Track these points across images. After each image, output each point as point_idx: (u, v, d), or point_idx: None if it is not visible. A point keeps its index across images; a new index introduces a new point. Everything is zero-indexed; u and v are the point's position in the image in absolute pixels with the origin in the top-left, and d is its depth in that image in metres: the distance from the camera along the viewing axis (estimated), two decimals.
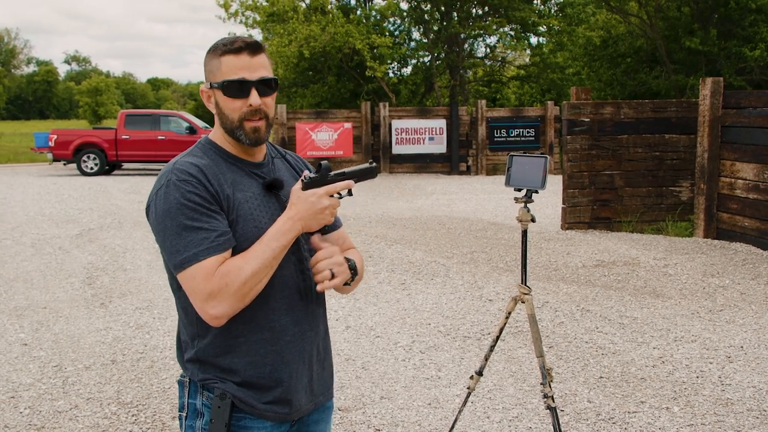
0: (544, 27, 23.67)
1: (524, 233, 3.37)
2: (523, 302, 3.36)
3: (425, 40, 23.86)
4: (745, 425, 3.94)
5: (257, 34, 23.49)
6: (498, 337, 3.46)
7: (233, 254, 1.74)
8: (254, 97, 1.80)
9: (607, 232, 9.72)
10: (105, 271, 7.71)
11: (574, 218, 9.90)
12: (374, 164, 1.96)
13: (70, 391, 4.48)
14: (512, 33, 24.28)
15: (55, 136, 19.50)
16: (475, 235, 9.66)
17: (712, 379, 4.58)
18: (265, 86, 1.82)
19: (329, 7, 21.48)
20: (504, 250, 8.64)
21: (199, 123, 19.80)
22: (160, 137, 19.06)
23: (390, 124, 19.06)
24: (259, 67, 1.81)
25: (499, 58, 27.39)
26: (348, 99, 23.47)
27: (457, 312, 6.09)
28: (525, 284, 3.37)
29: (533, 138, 19.42)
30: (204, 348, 1.80)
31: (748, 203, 8.65)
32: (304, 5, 21.70)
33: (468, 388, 3.54)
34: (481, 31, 24.04)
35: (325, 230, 1.87)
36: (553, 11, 24.39)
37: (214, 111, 1.85)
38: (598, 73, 22.89)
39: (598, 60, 22.85)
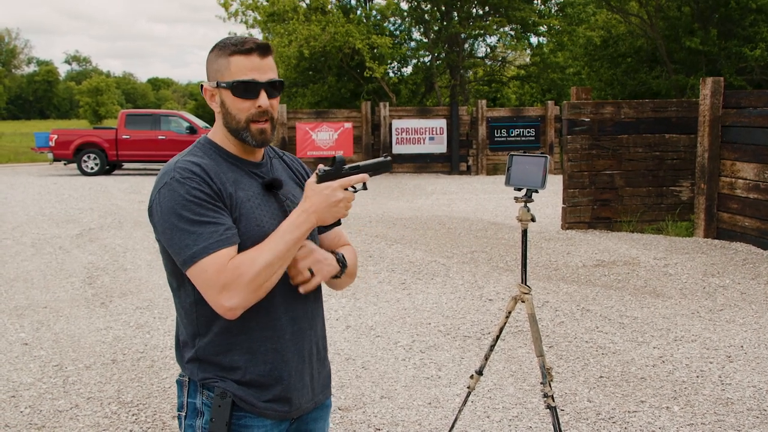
0: (545, 27, 23.67)
1: (524, 233, 3.37)
2: (523, 302, 3.36)
3: (425, 40, 23.86)
4: (745, 425, 3.94)
5: (257, 34, 23.49)
6: (498, 337, 3.46)
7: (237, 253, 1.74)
8: (263, 99, 1.80)
9: (608, 232, 9.73)
10: (105, 271, 7.71)
11: (575, 218, 9.90)
12: (389, 158, 1.95)
13: (70, 390, 4.49)
14: (512, 33, 24.29)
15: (56, 136, 19.50)
16: (475, 235, 9.67)
17: (713, 379, 4.58)
18: (273, 88, 1.82)
19: (329, 7, 21.48)
20: (504, 249, 8.65)
21: (200, 123, 19.81)
22: (160, 137, 19.07)
23: (390, 124, 19.06)
24: (268, 69, 1.82)
25: (500, 58, 27.40)
26: (348, 99, 23.47)
27: (457, 311, 6.09)
28: (525, 284, 3.37)
29: (533, 138, 19.43)
30: (205, 346, 1.80)
31: (748, 203, 8.65)
32: (304, 5, 21.70)
33: (468, 387, 3.54)
34: (482, 31, 24.04)
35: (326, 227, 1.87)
36: (553, 11, 24.39)
37: (217, 110, 1.85)
38: (598, 73, 22.89)
39: (599, 60, 22.86)
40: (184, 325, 1.84)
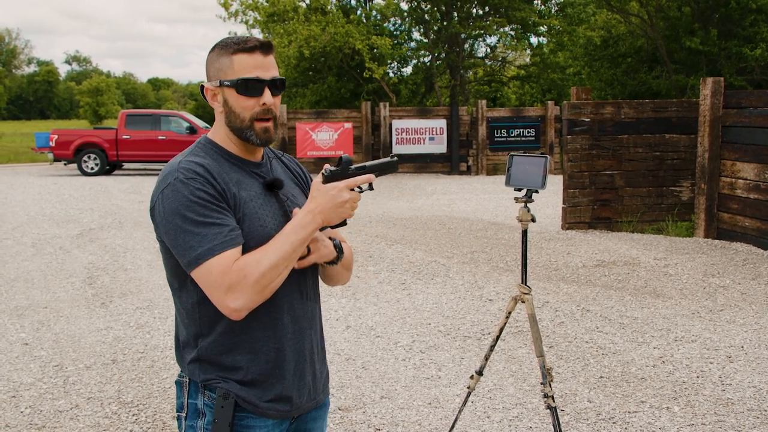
0: (545, 27, 23.67)
1: (524, 233, 3.37)
2: (523, 302, 3.36)
3: (425, 40, 23.86)
4: (746, 425, 3.94)
5: (257, 34, 23.50)
6: (498, 337, 3.46)
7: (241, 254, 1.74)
8: (267, 96, 1.80)
9: (608, 232, 9.73)
10: (105, 271, 7.72)
11: (575, 218, 9.90)
12: (395, 158, 1.94)
13: (70, 390, 4.49)
14: (512, 33, 24.29)
15: (56, 136, 19.51)
16: (475, 235, 9.67)
17: (713, 379, 4.58)
18: (275, 86, 1.82)
19: (329, 7, 21.48)
20: (504, 249, 8.65)
21: (200, 123, 19.81)
22: (160, 137, 19.07)
23: (390, 124, 19.07)
24: (271, 67, 1.82)
25: (500, 58, 27.40)
26: (348, 99, 23.48)
27: (458, 312, 6.09)
28: (525, 284, 3.37)
29: (533, 138, 19.43)
30: (207, 346, 1.79)
31: (748, 203, 8.65)
32: (304, 5, 21.71)
33: (468, 387, 3.54)
34: (482, 31, 24.05)
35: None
36: (553, 11, 24.40)
37: (219, 110, 1.84)
38: (598, 73, 22.90)
39: (599, 60, 22.86)
40: (185, 325, 1.84)
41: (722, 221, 9.12)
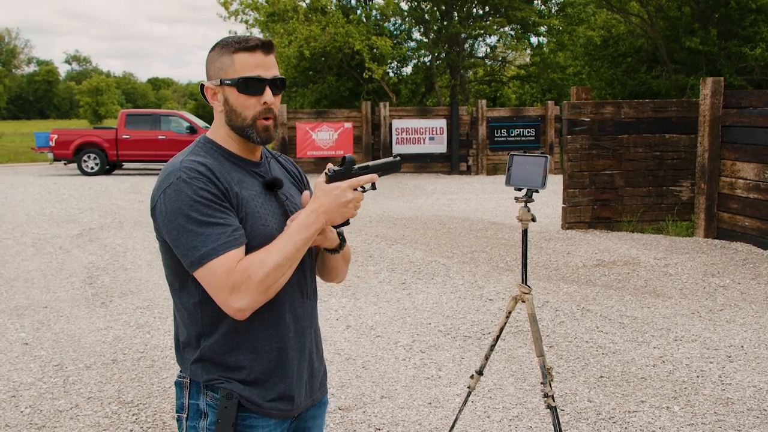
0: (545, 27, 23.67)
1: (524, 233, 3.37)
2: (523, 302, 3.36)
3: (425, 40, 23.86)
4: (746, 425, 3.94)
5: (257, 34, 23.49)
6: (498, 337, 3.46)
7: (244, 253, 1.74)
8: (268, 96, 1.80)
9: (608, 232, 9.73)
10: (105, 271, 7.71)
11: (575, 218, 9.90)
12: (398, 158, 1.94)
13: (70, 390, 4.49)
14: (512, 33, 24.29)
15: (56, 136, 19.51)
16: (475, 235, 9.67)
17: (713, 379, 4.58)
18: (276, 86, 1.82)
19: (330, 7, 21.48)
20: (504, 249, 8.65)
21: (200, 123, 19.81)
22: (160, 137, 19.07)
23: (390, 124, 19.07)
24: (272, 66, 1.82)
25: (500, 58, 27.40)
26: (348, 99, 23.48)
27: (458, 311, 6.09)
28: (525, 284, 3.37)
29: (534, 138, 19.43)
30: (210, 346, 1.79)
31: (748, 203, 8.65)
32: (304, 5, 21.70)
33: (468, 387, 3.54)
34: (482, 31, 24.05)
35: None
36: (553, 11, 24.40)
37: (219, 109, 1.83)
38: (598, 73, 22.90)
39: (599, 59, 22.86)
40: (185, 325, 1.83)
41: (722, 221, 9.12)
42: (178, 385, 1.86)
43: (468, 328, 5.65)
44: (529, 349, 5.12)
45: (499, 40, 25.63)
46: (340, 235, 1.92)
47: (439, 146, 19.23)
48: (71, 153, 19.22)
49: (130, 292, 6.85)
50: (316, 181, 1.82)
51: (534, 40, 25.31)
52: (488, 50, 26.90)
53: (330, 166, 1.82)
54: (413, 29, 24.67)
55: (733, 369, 4.75)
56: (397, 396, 4.36)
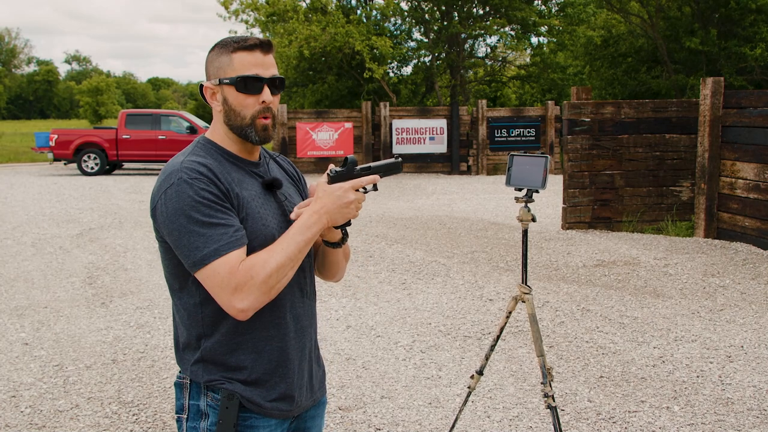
0: (545, 27, 23.67)
1: (525, 233, 3.37)
2: (523, 302, 3.36)
3: (426, 40, 23.86)
4: (746, 425, 3.94)
5: (258, 34, 23.49)
6: (498, 337, 3.46)
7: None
8: (267, 94, 1.80)
9: (608, 232, 9.73)
10: (106, 271, 7.72)
11: (575, 218, 9.90)
12: (400, 159, 1.94)
13: (70, 390, 4.49)
14: (513, 33, 24.29)
15: (56, 136, 19.50)
16: (475, 235, 9.67)
17: (713, 379, 4.58)
18: (275, 85, 1.82)
19: (330, 7, 21.48)
20: (504, 249, 8.65)
21: (200, 123, 19.81)
22: (160, 137, 19.07)
23: (390, 124, 19.07)
24: (271, 66, 1.82)
25: (500, 58, 27.40)
26: (348, 99, 23.48)
27: (458, 311, 6.09)
28: (525, 284, 3.37)
29: (534, 138, 19.43)
30: (211, 347, 1.79)
31: (748, 203, 8.65)
32: (304, 5, 21.71)
33: (468, 387, 3.55)
34: (482, 31, 24.05)
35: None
36: (553, 11, 24.40)
37: (218, 108, 1.83)
38: (599, 73, 22.91)
39: (599, 59, 22.86)
40: (185, 326, 1.83)
41: (722, 221, 9.12)
42: (178, 385, 1.86)
43: (468, 328, 5.65)
44: (529, 349, 5.12)
45: (499, 40, 25.64)
46: (343, 230, 1.92)
47: (440, 146, 19.23)
48: (71, 153, 19.22)
49: (130, 292, 6.85)
50: (319, 181, 1.82)
51: (534, 40, 25.33)
52: (488, 50, 26.92)
53: (332, 166, 1.82)
54: (413, 29, 24.68)
55: (733, 369, 4.75)
56: (397, 396, 4.36)
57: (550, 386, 3.25)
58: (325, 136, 18.96)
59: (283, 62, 20.87)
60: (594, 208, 9.90)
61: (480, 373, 3.50)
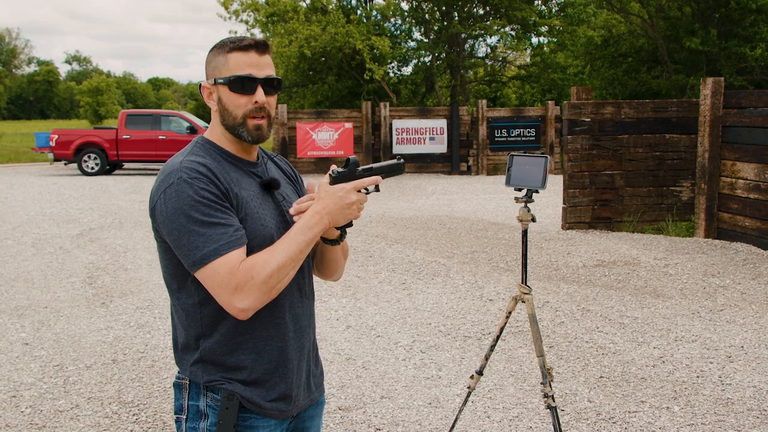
0: (545, 27, 23.67)
1: (524, 233, 3.37)
2: (523, 302, 3.36)
3: (426, 40, 23.86)
4: (746, 425, 3.94)
5: (258, 34, 23.51)
6: (498, 337, 3.46)
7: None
8: (260, 95, 1.80)
9: (608, 232, 9.73)
10: (106, 271, 7.72)
11: (575, 218, 9.90)
12: (402, 160, 1.94)
13: (71, 390, 4.49)
14: (513, 33, 24.29)
15: (56, 136, 19.51)
16: (475, 235, 9.67)
17: (713, 379, 4.58)
18: (270, 85, 1.82)
19: (330, 7, 21.49)
20: (504, 249, 8.65)
21: (200, 123, 19.82)
22: (160, 137, 19.08)
23: (391, 124, 19.07)
24: (266, 66, 1.82)
25: (500, 58, 27.40)
26: (348, 99, 23.48)
27: (458, 312, 6.09)
28: (525, 284, 3.37)
29: (534, 138, 19.43)
30: (210, 347, 1.79)
31: (748, 203, 8.65)
32: (304, 5, 21.71)
33: (468, 387, 3.55)
34: (482, 31, 24.05)
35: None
36: (553, 11, 24.40)
37: (215, 108, 1.84)
38: (599, 72, 22.91)
39: (599, 59, 22.87)
40: (184, 326, 1.83)
41: (722, 221, 9.12)
42: (177, 386, 1.86)
43: (468, 328, 5.65)
44: (529, 350, 5.12)
45: (499, 41, 25.64)
46: (340, 228, 1.92)
47: (440, 146, 19.23)
48: (71, 153, 19.23)
49: (130, 292, 6.86)
50: (320, 182, 1.82)
51: (534, 40, 25.33)
52: (488, 50, 26.91)
53: (334, 167, 1.82)
54: (413, 29, 24.68)
55: (733, 369, 4.75)
56: (397, 396, 4.36)
57: (550, 386, 3.25)
58: (325, 137, 18.97)
59: (283, 62, 20.86)
60: (594, 208, 9.90)
61: (480, 373, 3.50)
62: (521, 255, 3.39)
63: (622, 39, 22.18)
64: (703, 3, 19.51)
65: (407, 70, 26.03)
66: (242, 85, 1.79)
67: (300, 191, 2.02)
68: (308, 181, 1.94)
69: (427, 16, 23.56)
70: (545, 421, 3.99)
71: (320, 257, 1.99)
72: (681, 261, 7.85)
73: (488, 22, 23.40)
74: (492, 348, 3.48)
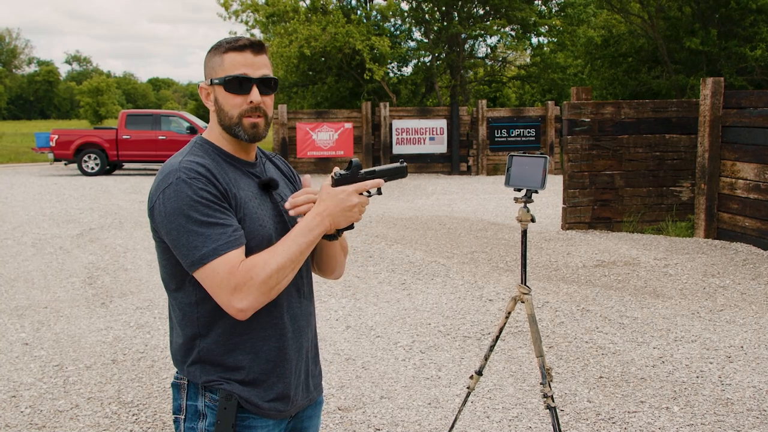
0: (545, 27, 23.67)
1: (524, 233, 3.37)
2: (522, 302, 3.36)
3: (426, 40, 23.86)
4: (745, 425, 3.94)
5: (258, 34, 23.52)
6: (498, 337, 3.46)
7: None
8: (255, 94, 1.80)
9: (608, 232, 9.73)
10: (106, 271, 7.72)
11: (575, 218, 9.90)
12: (404, 163, 1.95)
13: (70, 390, 4.49)
14: (513, 33, 24.29)
15: (56, 136, 19.52)
16: (475, 235, 9.67)
17: (712, 379, 4.58)
18: (265, 85, 1.82)
19: (331, 7, 21.49)
20: (504, 250, 8.65)
21: (200, 123, 19.83)
22: (160, 137, 19.09)
23: (390, 124, 19.07)
24: (262, 66, 1.82)
25: (500, 58, 27.40)
26: (348, 99, 23.48)
27: (457, 312, 6.09)
28: (525, 284, 3.38)
29: (534, 138, 19.43)
30: (208, 347, 1.79)
31: (748, 203, 8.65)
32: (304, 5, 21.71)
33: (468, 387, 3.55)
34: (482, 32, 24.05)
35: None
36: (553, 11, 24.40)
37: (212, 108, 1.85)
38: (599, 72, 22.91)
39: (599, 59, 22.87)
40: (181, 326, 1.83)
41: (722, 221, 9.12)
42: (175, 386, 1.86)
43: (468, 328, 5.66)
44: (528, 350, 5.13)
45: (499, 41, 25.63)
46: None
47: (440, 146, 19.24)
48: (72, 153, 19.24)
49: (130, 292, 6.86)
50: (323, 184, 1.82)
51: (534, 40, 25.32)
52: (488, 50, 26.91)
53: (336, 169, 1.83)
54: (413, 29, 24.68)
55: (732, 369, 4.75)
56: (396, 396, 4.36)
57: (550, 387, 3.25)
58: (325, 137, 18.97)
59: (283, 63, 20.87)
60: (594, 209, 9.90)
61: (479, 373, 3.50)
62: (521, 255, 3.39)
63: (622, 39, 22.17)
64: (703, 3, 19.51)
65: (407, 70, 26.05)
66: (237, 85, 1.79)
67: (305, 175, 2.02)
68: (305, 175, 1.94)
69: (427, 16, 23.56)
70: (545, 422, 3.99)
71: (319, 254, 1.99)
72: (681, 261, 7.85)
73: (488, 22, 23.40)
74: (491, 348, 3.48)
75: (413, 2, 23.42)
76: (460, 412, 3.60)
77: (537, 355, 3.29)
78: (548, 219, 10.93)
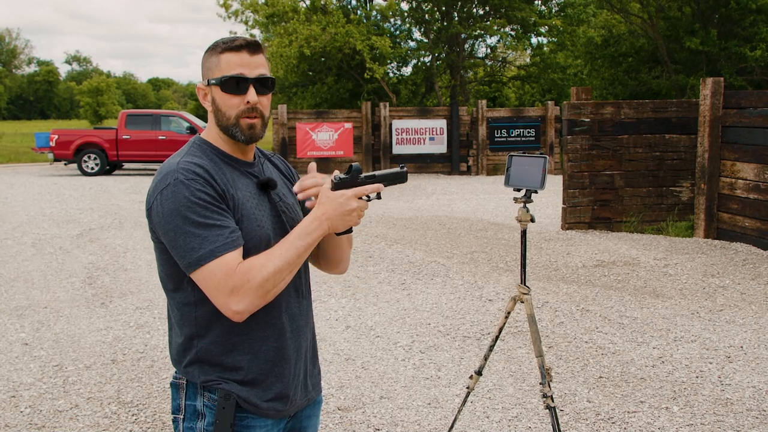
0: (545, 27, 23.68)
1: (523, 233, 3.37)
2: (522, 302, 3.36)
3: (426, 40, 23.86)
4: (745, 425, 3.94)
5: (258, 34, 23.54)
6: (497, 337, 3.46)
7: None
8: (251, 95, 1.80)
9: (608, 232, 9.73)
10: (105, 271, 7.72)
11: (575, 218, 9.90)
12: (405, 169, 1.94)
13: (70, 390, 4.49)
14: (513, 33, 24.29)
15: (56, 136, 19.52)
16: (475, 235, 9.67)
17: (712, 379, 4.58)
18: (262, 85, 1.82)
19: (331, 7, 21.49)
20: (504, 250, 8.65)
21: (200, 123, 19.83)
22: (160, 137, 19.09)
23: (390, 125, 19.08)
24: (258, 66, 1.82)
25: (500, 58, 27.40)
26: (348, 99, 23.48)
27: (457, 312, 6.09)
28: (524, 284, 3.38)
29: (534, 138, 19.44)
30: (206, 347, 1.79)
31: (748, 203, 8.65)
32: (304, 6, 21.71)
33: (467, 387, 3.55)
34: (482, 32, 24.05)
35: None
36: (553, 11, 24.40)
37: (209, 108, 1.85)
38: (599, 73, 22.91)
39: (599, 59, 22.87)
40: (180, 326, 1.83)
41: (722, 221, 9.12)
42: (174, 386, 1.86)
43: (467, 328, 5.66)
44: (528, 350, 5.13)
45: (499, 41, 25.63)
46: None
47: (439, 146, 19.24)
48: (71, 153, 19.24)
49: (130, 292, 6.86)
50: (322, 187, 1.82)
51: (534, 40, 25.33)
52: (488, 50, 26.91)
53: (336, 173, 1.82)
54: (413, 29, 24.68)
55: (732, 369, 4.75)
56: (396, 396, 4.36)
57: (549, 386, 3.25)
58: (325, 137, 18.97)
59: (283, 63, 20.87)
60: (594, 209, 9.90)
61: (479, 373, 3.50)
62: (520, 255, 3.40)
63: (622, 39, 22.17)
64: (703, 3, 19.52)
65: (407, 70, 26.06)
66: (234, 85, 1.79)
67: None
68: (310, 163, 1.94)
69: (426, 16, 23.56)
70: (544, 422, 3.99)
71: (324, 247, 1.98)
72: (681, 261, 7.85)
73: (488, 23, 23.40)
74: (491, 348, 3.48)
75: (413, 2, 23.42)
76: (459, 412, 3.60)
77: (536, 355, 3.30)
78: (548, 219, 10.93)
